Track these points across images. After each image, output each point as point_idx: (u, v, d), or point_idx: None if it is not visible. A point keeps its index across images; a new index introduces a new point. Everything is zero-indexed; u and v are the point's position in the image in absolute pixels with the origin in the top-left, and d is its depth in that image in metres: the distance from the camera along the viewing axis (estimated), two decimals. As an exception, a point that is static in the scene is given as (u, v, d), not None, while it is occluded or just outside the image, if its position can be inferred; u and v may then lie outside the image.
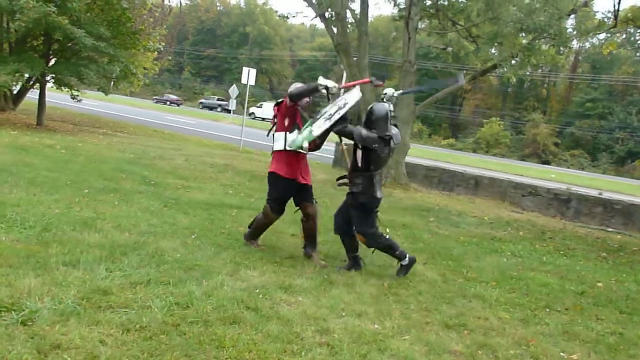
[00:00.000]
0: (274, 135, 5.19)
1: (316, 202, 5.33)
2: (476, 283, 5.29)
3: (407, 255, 5.12)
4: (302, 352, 3.15)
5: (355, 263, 5.16)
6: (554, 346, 3.84)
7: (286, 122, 5.05)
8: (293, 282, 4.40)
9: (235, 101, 26.99)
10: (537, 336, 3.99)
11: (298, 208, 5.30)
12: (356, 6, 15.67)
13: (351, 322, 3.74)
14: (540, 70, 44.69)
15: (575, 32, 13.55)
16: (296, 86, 5.07)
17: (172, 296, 3.65)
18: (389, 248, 5.09)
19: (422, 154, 27.19)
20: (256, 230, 5.41)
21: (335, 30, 13.70)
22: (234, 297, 3.83)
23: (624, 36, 40.59)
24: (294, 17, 25.09)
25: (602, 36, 22.88)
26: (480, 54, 15.00)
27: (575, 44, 40.27)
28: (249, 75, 17.98)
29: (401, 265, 5.12)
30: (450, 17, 14.41)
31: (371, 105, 4.96)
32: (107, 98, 18.56)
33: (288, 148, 5.00)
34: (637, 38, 49.52)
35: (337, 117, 4.74)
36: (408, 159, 13.97)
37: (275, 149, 5.12)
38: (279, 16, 31.19)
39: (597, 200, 12.12)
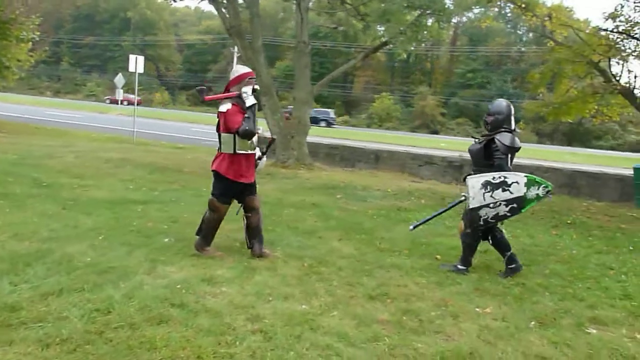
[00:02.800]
0: (219, 134, 4.87)
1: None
2: (390, 253, 5.53)
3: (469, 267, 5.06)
4: (236, 342, 3.12)
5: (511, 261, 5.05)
6: (469, 303, 4.13)
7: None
8: (214, 273, 4.33)
9: (121, 91, 25.58)
10: (453, 296, 4.26)
11: (241, 205, 5.08)
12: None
13: (279, 305, 3.76)
14: (423, 45, 46.81)
15: (455, 8, 14.33)
16: (245, 127, 4.64)
17: (90, 303, 3.46)
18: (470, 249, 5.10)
19: (322, 132, 27.57)
20: (207, 231, 4.97)
21: (226, 12, 13.39)
22: (157, 295, 3.70)
23: (496, 9, 43.51)
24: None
25: (477, 10, 24.46)
26: (368, 31, 15.41)
27: (454, 19, 42.56)
28: (136, 63, 17.10)
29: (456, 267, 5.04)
30: (339, -4, 14.62)
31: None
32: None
33: (238, 151, 4.80)
34: (507, 11, 53.33)
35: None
36: (309, 139, 14.11)
37: (223, 150, 4.85)
38: (163, -1, 29.57)
39: (485, 164, 13.03)
